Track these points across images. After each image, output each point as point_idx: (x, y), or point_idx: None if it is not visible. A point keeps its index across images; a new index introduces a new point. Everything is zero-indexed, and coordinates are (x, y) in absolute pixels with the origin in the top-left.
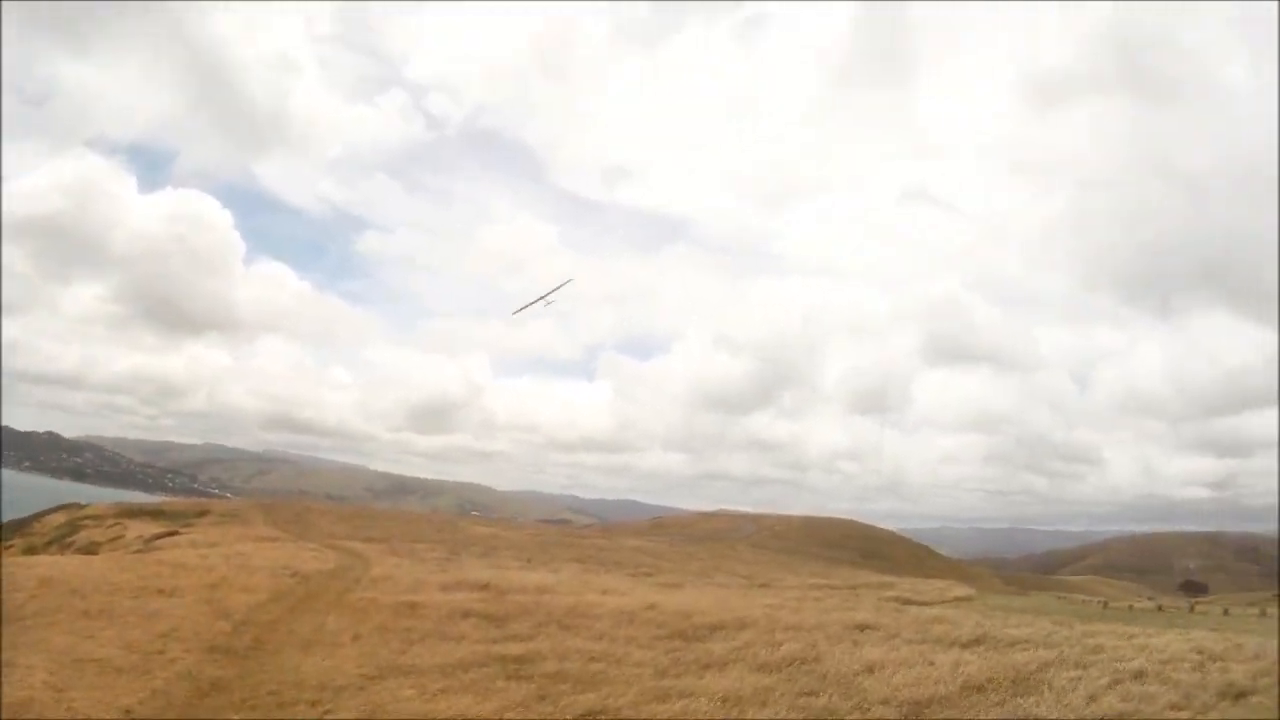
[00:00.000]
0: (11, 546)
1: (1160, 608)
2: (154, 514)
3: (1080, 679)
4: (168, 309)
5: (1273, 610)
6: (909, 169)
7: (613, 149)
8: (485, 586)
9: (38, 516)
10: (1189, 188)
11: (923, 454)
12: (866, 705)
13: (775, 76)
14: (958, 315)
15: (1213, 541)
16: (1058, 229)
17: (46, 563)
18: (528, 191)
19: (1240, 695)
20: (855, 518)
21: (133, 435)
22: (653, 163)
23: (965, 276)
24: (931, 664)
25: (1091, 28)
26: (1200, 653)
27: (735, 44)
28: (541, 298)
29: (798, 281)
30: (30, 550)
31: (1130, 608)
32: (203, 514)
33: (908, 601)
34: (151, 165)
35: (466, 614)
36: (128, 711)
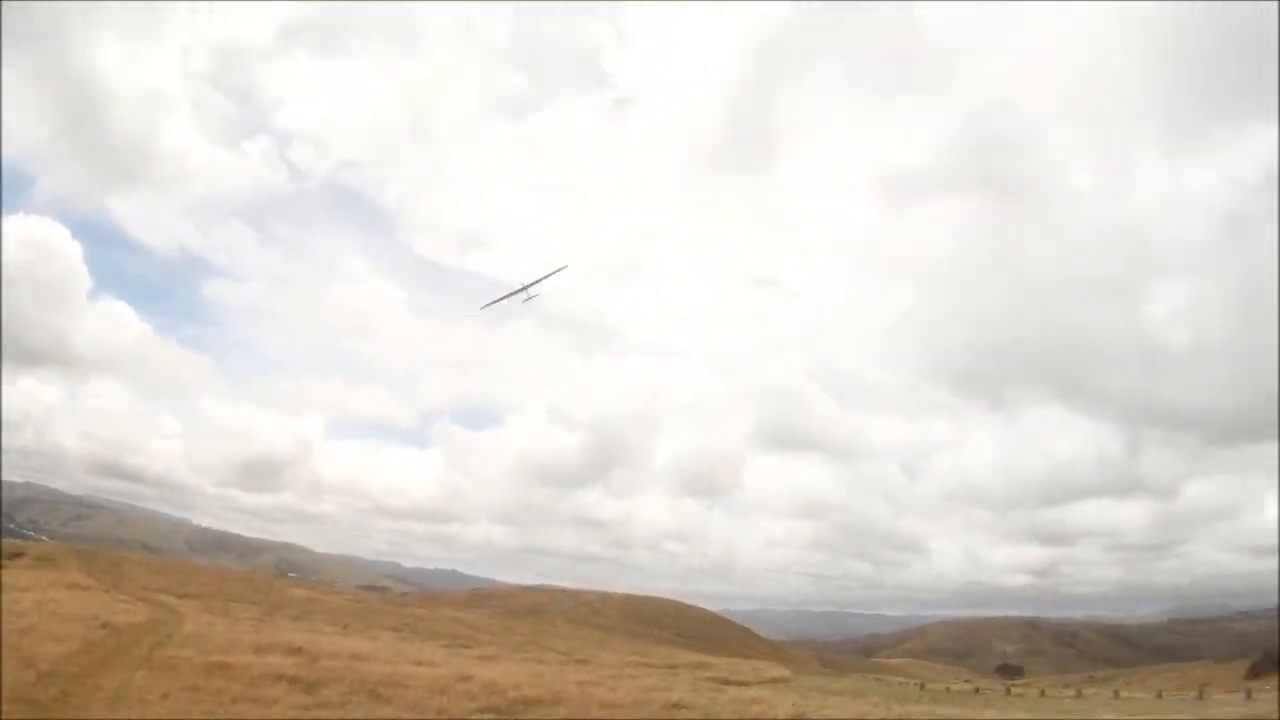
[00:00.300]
0: None
1: (977, 690)
2: None
3: None
4: (5, 339)
5: (1089, 691)
6: (761, 255)
7: (470, 216)
8: (299, 650)
9: None
10: (1029, 287)
11: (751, 537)
12: None
13: (638, 157)
14: (794, 402)
15: (1032, 626)
16: (901, 322)
17: None
18: (382, 252)
19: None
20: (679, 598)
21: None
22: (508, 233)
23: (805, 364)
24: None
25: (949, 131)
26: None
27: (603, 122)
28: (524, 287)
29: (638, 360)
30: None
31: (947, 690)
32: (16, 556)
33: (725, 682)
34: (8, 189)
35: (279, 678)
36: None
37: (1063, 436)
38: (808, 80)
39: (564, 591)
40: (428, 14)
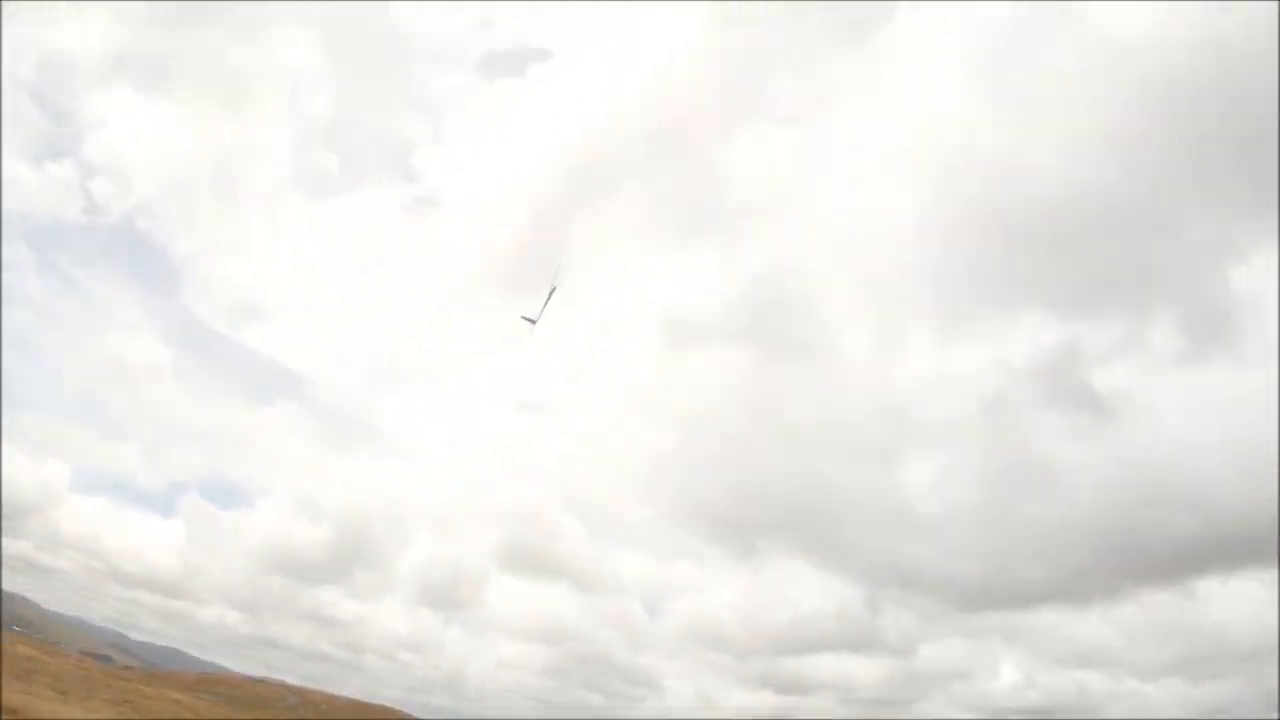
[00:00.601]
0: None
1: None
2: None
3: None
4: None
5: None
6: (532, 376)
7: (253, 288)
8: (14, 712)
9: None
10: (790, 443)
11: (486, 655)
12: None
13: (430, 260)
14: (543, 527)
15: None
16: (661, 462)
17: None
18: (159, 307)
19: None
20: (407, 709)
21: None
22: (286, 312)
23: (559, 491)
24: None
25: (735, 283)
26: None
27: (402, 218)
28: (546, 302)
29: (394, 463)
30: None
31: None
32: None
33: None
34: None
35: None
36: None
37: (807, 590)
38: (606, 211)
39: (290, 687)
40: (255, 75)
